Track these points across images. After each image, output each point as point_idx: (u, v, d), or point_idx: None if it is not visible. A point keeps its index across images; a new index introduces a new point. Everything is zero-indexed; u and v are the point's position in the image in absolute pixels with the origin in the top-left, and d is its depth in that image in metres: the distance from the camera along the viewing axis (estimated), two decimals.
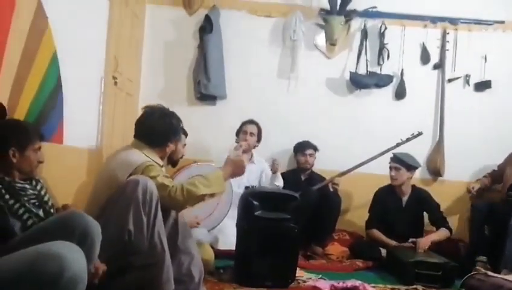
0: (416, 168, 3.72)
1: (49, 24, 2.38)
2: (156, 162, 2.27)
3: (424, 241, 3.36)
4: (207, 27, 4.13)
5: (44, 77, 2.38)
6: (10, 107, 2.07)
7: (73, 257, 1.22)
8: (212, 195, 2.26)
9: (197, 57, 4.24)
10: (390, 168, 3.63)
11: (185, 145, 3.31)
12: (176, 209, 2.24)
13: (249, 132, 3.74)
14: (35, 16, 2.25)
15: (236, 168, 2.35)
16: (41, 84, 2.35)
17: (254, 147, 3.80)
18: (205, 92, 4.13)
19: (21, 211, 1.73)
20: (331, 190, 3.70)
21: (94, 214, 1.89)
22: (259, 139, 3.81)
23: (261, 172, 3.80)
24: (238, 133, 3.81)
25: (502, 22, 4.21)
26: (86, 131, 3.09)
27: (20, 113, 2.16)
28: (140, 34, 4.14)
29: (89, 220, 1.53)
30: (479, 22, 4.22)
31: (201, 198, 2.19)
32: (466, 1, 4.24)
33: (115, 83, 3.43)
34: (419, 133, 3.71)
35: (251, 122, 3.81)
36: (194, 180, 2.20)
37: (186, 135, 3.34)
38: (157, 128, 2.35)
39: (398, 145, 3.67)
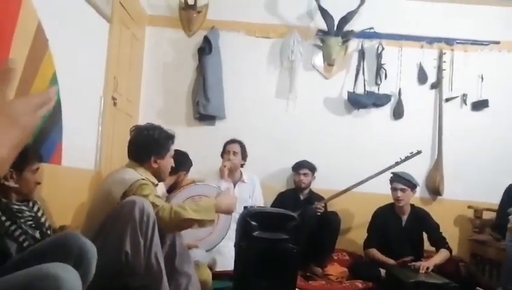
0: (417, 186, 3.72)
1: (49, 46, 2.41)
2: (150, 181, 2.27)
3: (426, 264, 3.32)
4: (206, 48, 4.17)
5: None
6: None
7: (68, 279, 1.22)
8: (201, 224, 2.21)
9: (196, 77, 4.27)
10: (395, 189, 3.55)
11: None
12: (164, 230, 2.16)
13: (232, 151, 3.70)
14: (35, 38, 2.27)
15: (230, 204, 2.37)
16: None
17: (241, 165, 3.76)
18: (204, 112, 4.15)
19: (17, 233, 1.73)
20: (319, 213, 3.68)
21: (91, 234, 1.88)
22: (244, 157, 3.76)
23: (253, 190, 3.78)
24: (222, 155, 3.76)
25: (498, 43, 4.26)
26: (85, 152, 3.09)
27: None
28: (139, 55, 4.18)
29: (84, 241, 1.52)
30: (474, 43, 4.28)
31: (188, 222, 2.15)
32: (461, 22, 4.29)
33: (114, 104, 3.45)
34: (418, 152, 3.71)
35: (233, 141, 3.77)
36: (184, 204, 2.22)
37: (191, 164, 3.35)
38: (139, 143, 2.36)
39: (397, 164, 3.66)
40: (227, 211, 2.43)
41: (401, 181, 3.54)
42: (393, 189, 3.57)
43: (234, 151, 3.71)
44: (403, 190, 3.54)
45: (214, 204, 2.27)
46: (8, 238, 1.70)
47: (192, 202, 2.84)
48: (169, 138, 2.44)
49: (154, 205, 2.10)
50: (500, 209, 3.64)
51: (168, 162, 2.44)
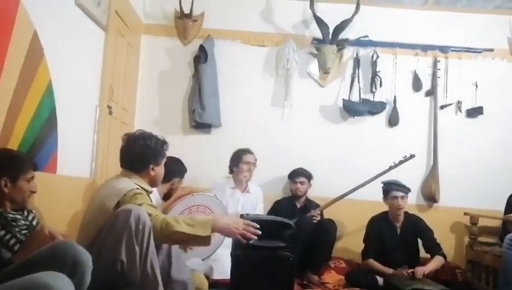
0: None
1: (44, 55, 2.41)
2: (144, 189, 2.27)
3: (422, 268, 3.31)
4: (201, 57, 4.19)
5: (39, 106, 2.40)
6: (4, 137, 2.07)
7: (62, 288, 1.21)
8: (195, 241, 2.12)
9: (191, 86, 4.28)
10: (395, 197, 3.53)
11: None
12: (155, 240, 2.05)
13: (251, 162, 3.73)
14: (30, 47, 2.27)
15: (232, 226, 2.16)
16: (35, 113, 2.36)
17: None
18: (200, 120, 4.15)
19: (12, 242, 1.72)
20: (315, 221, 3.68)
21: (86, 243, 1.87)
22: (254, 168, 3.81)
23: (256, 201, 3.80)
24: (235, 163, 3.74)
25: (491, 50, 4.30)
26: (80, 160, 3.08)
27: (13, 142, 2.16)
28: (135, 63, 4.19)
29: (79, 250, 1.51)
30: (468, 50, 4.31)
31: (178, 235, 2.05)
32: (455, 30, 4.33)
33: (110, 112, 3.45)
34: (412, 156, 3.71)
35: (249, 151, 3.78)
36: (179, 217, 2.15)
37: (185, 170, 3.35)
38: (133, 152, 2.33)
39: (391, 168, 3.66)
40: (225, 232, 2.23)
41: (400, 189, 3.55)
42: (393, 197, 3.54)
43: (253, 163, 3.75)
44: (403, 198, 3.54)
45: (212, 221, 2.15)
46: (3, 248, 1.68)
47: (189, 212, 2.83)
48: (164, 144, 2.46)
49: (148, 214, 2.07)
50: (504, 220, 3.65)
51: (162, 168, 2.46)
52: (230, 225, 2.16)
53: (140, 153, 2.34)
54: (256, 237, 2.18)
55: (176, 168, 3.24)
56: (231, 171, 3.78)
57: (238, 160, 3.74)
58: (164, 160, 2.46)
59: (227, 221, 2.19)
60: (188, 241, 2.14)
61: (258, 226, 2.21)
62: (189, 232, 2.06)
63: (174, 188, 3.22)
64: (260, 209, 3.80)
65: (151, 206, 2.17)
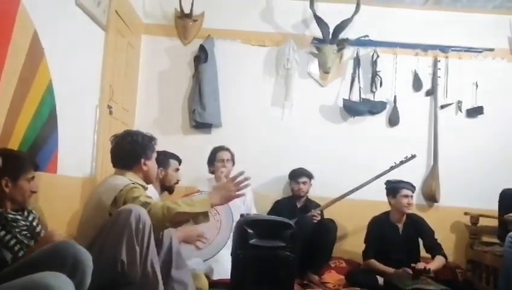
0: None
1: (45, 54, 2.41)
2: (140, 184, 2.28)
3: (425, 264, 3.31)
4: (202, 56, 4.19)
5: (39, 106, 2.40)
6: (5, 136, 2.07)
7: (62, 288, 1.21)
8: (196, 219, 2.17)
9: (192, 86, 4.28)
10: (406, 196, 3.53)
11: (177, 170, 3.29)
12: (158, 228, 2.11)
13: (225, 159, 3.71)
14: (31, 47, 2.27)
15: (224, 192, 2.23)
16: (36, 113, 2.37)
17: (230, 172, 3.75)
18: (200, 120, 4.15)
19: (12, 242, 1.72)
20: (315, 221, 3.67)
21: (85, 243, 1.87)
22: (233, 164, 3.78)
23: (244, 197, 3.73)
24: (211, 162, 3.75)
25: (492, 50, 4.30)
26: (81, 160, 3.08)
27: (14, 142, 2.16)
28: (135, 63, 4.18)
29: (79, 250, 1.51)
30: (469, 50, 4.31)
31: (181, 216, 2.11)
32: (456, 30, 4.33)
33: (110, 112, 3.45)
34: (413, 156, 3.72)
35: (224, 148, 3.78)
36: (177, 200, 2.20)
37: (179, 161, 3.34)
38: (123, 150, 2.38)
39: (392, 168, 3.67)
40: (223, 201, 2.28)
41: (410, 188, 3.57)
42: (404, 196, 3.54)
43: (227, 159, 3.73)
44: (412, 197, 3.57)
45: (209, 199, 2.19)
46: (3, 248, 1.68)
47: None
48: (152, 139, 2.50)
49: (146, 203, 2.10)
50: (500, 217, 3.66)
51: (154, 163, 2.49)
52: (224, 193, 2.23)
53: (129, 149, 2.38)
54: (249, 184, 2.26)
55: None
56: (211, 172, 3.75)
57: (213, 158, 3.75)
58: (155, 154, 2.49)
59: (219, 192, 2.24)
60: (189, 220, 2.19)
61: (243, 172, 2.27)
62: (191, 211, 2.12)
63: (163, 178, 3.19)
64: (250, 204, 3.76)
65: (148, 197, 2.19)
